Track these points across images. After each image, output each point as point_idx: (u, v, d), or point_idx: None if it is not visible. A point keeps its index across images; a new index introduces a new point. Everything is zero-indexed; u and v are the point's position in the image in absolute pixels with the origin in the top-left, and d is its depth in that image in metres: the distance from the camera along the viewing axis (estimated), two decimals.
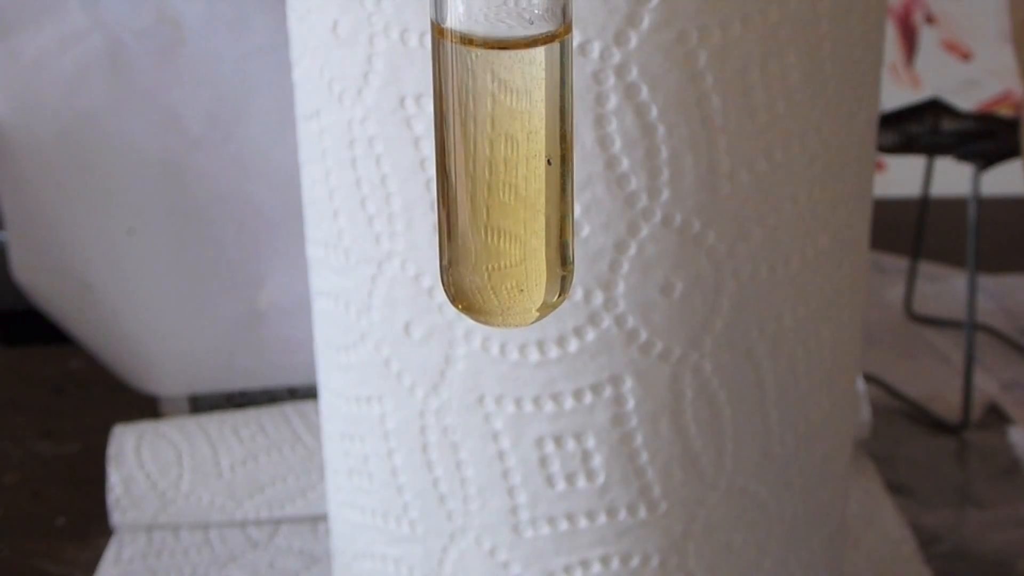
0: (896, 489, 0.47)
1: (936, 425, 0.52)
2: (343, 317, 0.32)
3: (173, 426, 0.46)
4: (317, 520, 0.46)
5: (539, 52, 0.21)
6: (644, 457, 0.30)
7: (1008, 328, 0.59)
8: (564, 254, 0.22)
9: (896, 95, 0.75)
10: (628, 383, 0.29)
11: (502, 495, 0.31)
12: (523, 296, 0.22)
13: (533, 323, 0.22)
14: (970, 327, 0.51)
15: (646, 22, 0.27)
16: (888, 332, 0.59)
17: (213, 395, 0.51)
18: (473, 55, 0.21)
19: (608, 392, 0.30)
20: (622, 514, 0.31)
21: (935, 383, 0.54)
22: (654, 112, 0.28)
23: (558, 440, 0.30)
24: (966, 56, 0.79)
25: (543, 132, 0.21)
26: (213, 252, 0.48)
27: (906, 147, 0.53)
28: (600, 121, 0.28)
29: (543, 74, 0.21)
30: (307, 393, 0.51)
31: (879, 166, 0.75)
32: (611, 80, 0.27)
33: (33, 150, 0.46)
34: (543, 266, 0.22)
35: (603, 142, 0.28)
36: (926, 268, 0.64)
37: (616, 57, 0.27)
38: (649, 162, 0.28)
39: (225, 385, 0.51)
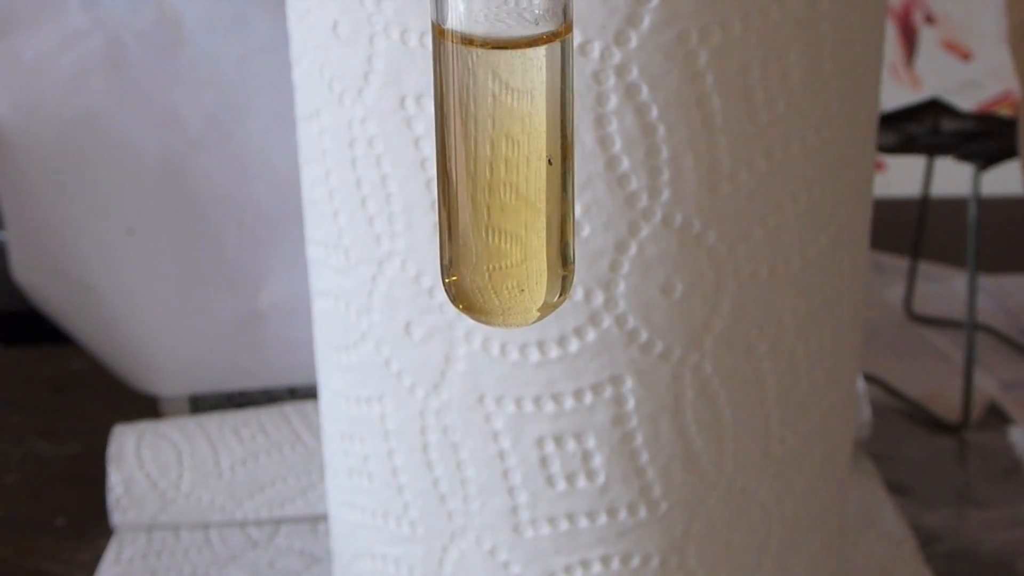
0: (896, 489, 0.47)
1: (936, 425, 0.52)
2: (343, 317, 0.32)
3: (173, 426, 0.46)
4: (317, 520, 0.46)
5: (540, 52, 0.21)
6: (644, 457, 0.30)
7: (1008, 328, 0.59)
8: (565, 254, 0.22)
9: (896, 95, 0.75)
10: (628, 383, 0.29)
11: (502, 495, 0.31)
12: (524, 296, 0.22)
13: (534, 323, 0.22)
14: (970, 327, 0.51)
15: (646, 22, 0.27)
16: (888, 332, 0.59)
17: (213, 395, 0.51)
18: (473, 55, 0.21)
19: (608, 392, 0.30)
20: (622, 514, 0.31)
21: (935, 383, 0.54)
22: (654, 112, 0.28)
23: (558, 440, 0.30)
24: (966, 56, 0.79)
25: (544, 132, 0.21)
26: (213, 252, 0.48)
27: (906, 147, 0.53)
28: (600, 121, 0.28)
29: (544, 74, 0.21)
30: (307, 393, 0.51)
31: (879, 166, 0.75)
32: (611, 80, 0.27)
33: (33, 150, 0.46)
34: (544, 266, 0.22)
35: (603, 142, 0.28)
36: (926, 268, 0.64)
37: (616, 57, 0.27)
38: (649, 162, 0.28)
39: (225, 385, 0.51)
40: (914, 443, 0.50)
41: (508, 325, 0.22)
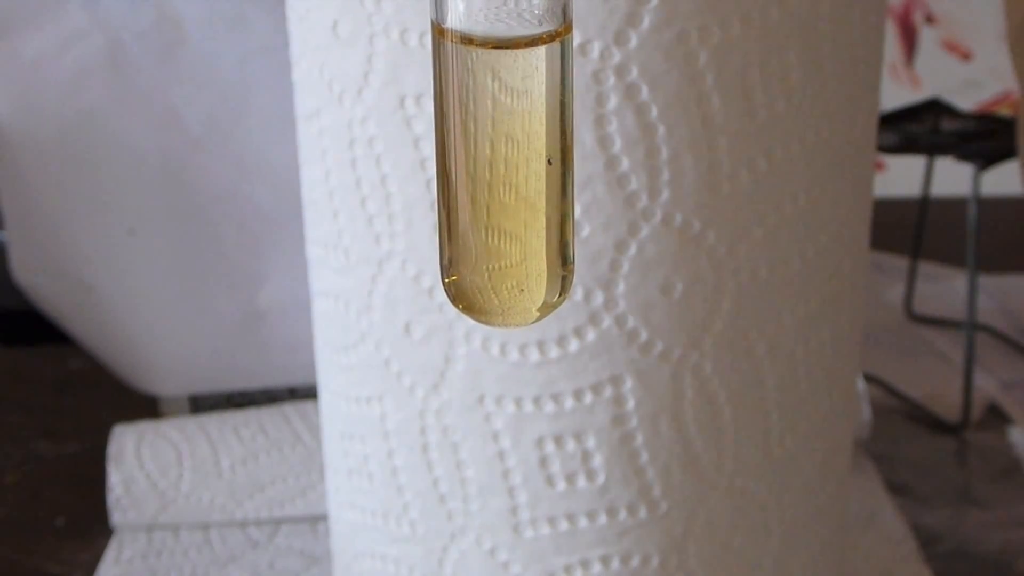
0: (896, 489, 0.47)
1: (936, 425, 0.52)
2: (343, 317, 0.32)
3: (173, 426, 0.46)
4: (317, 520, 0.46)
5: (539, 52, 0.21)
6: (644, 457, 0.30)
7: (1008, 328, 0.59)
8: (564, 254, 0.22)
9: (896, 95, 0.75)
10: (628, 383, 0.29)
11: (502, 495, 0.31)
12: (524, 296, 0.22)
13: (533, 323, 0.22)
14: (970, 327, 0.51)
15: (646, 22, 0.27)
16: (888, 332, 0.59)
17: (213, 395, 0.51)
18: (473, 55, 0.21)
19: (608, 392, 0.30)
20: (622, 514, 0.31)
21: (935, 383, 0.54)
22: (654, 112, 0.28)
23: (558, 440, 0.30)
24: (966, 56, 0.79)
25: (543, 132, 0.21)
26: (213, 252, 0.48)
27: (906, 147, 0.53)
28: (600, 121, 0.28)
29: (543, 74, 0.21)
30: (307, 393, 0.51)
31: (879, 166, 0.75)
32: (611, 80, 0.27)
33: (33, 150, 0.46)
34: (543, 266, 0.22)
35: (603, 142, 0.28)
36: (926, 268, 0.64)
37: (616, 57, 0.27)
38: (649, 162, 0.28)
39: (225, 385, 0.51)
40: (914, 443, 0.50)
41: (508, 325, 0.22)
